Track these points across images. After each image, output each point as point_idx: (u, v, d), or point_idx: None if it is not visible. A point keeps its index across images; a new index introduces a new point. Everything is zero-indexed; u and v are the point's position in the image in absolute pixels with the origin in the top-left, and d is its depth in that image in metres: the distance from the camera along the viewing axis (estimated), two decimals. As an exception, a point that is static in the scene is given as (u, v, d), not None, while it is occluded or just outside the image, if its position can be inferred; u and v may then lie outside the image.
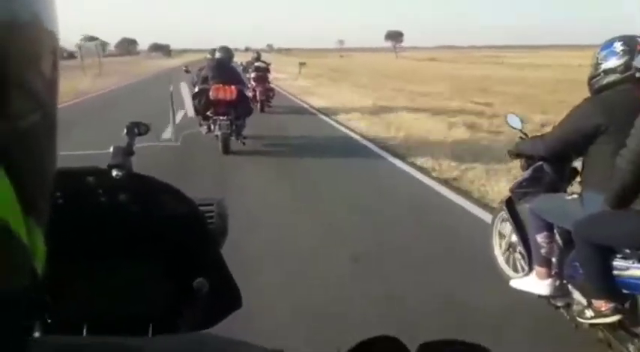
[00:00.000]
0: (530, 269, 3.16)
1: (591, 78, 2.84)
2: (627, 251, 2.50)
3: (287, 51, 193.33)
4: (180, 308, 0.98)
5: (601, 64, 2.77)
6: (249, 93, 12.96)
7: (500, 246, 3.64)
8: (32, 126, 0.32)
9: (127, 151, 1.05)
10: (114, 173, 0.95)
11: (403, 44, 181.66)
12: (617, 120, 2.56)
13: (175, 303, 0.97)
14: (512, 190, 3.38)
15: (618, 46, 2.71)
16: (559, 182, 3.14)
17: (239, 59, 14.68)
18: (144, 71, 40.71)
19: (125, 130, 1.14)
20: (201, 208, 1.03)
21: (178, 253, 0.97)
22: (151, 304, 0.97)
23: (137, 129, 1.16)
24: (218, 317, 1.03)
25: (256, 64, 13.81)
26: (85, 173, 0.96)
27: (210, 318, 1.02)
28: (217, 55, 8.87)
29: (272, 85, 14.63)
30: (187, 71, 10.91)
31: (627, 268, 2.50)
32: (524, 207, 3.26)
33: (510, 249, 3.55)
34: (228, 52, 8.91)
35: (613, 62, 2.72)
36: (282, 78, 27.41)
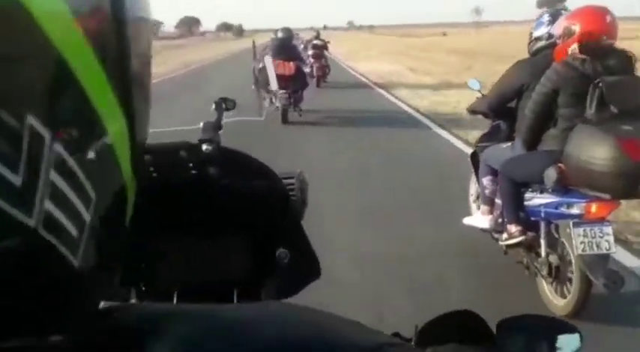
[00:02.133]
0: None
1: (528, 44, 3.39)
2: (536, 185, 3.06)
3: (370, 28, 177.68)
4: (263, 277, 1.01)
5: (532, 33, 3.32)
6: (307, 69, 14.03)
7: (472, 191, 4.21)
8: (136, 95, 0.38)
9: (216, 126, 1.09)
10: (204, 147, 1.00)
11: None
12: (538, 80, 3.10)
13: (258, 272, 1.01)
14: (475, 144, 3.96)
15: (545, 18, 3.26)
16: (512, 135, 3.69)
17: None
18: (198, 58, 33.57)
19: (214, 106, 1.19)
20: (283, 181, 1.07)
21: (262, 224, 1.01)
22: (236, 273, 1.00)
23: (225, 104, 1.20)
24: (298, 286, 1.07)
25: (314, 41, 14.98)
26: (177, 148, 1.00)
27: (291, 287, 1.06)
28: (280, 34, 10.00)
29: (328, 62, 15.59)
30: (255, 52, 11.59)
31: (532, 198, 3.07)
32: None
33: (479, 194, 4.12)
34: (289, 32, 10.10)
35: (541, 31, 3.27)
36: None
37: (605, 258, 2.77)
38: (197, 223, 0.97)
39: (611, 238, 2.75)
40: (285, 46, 9.57)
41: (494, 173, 3.56)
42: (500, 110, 3.47)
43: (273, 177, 1.02)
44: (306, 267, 1.06)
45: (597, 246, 2.73)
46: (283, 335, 0.36)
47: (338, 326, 0.39)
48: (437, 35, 74.12)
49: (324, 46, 14.89)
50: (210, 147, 1.00)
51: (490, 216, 3.59)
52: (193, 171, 0.99)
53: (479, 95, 3.84)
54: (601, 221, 2.77)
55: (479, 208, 4.12)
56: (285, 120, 9.17)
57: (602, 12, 2.85)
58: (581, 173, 2.66)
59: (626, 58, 2.82)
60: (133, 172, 0.37)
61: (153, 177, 0.96)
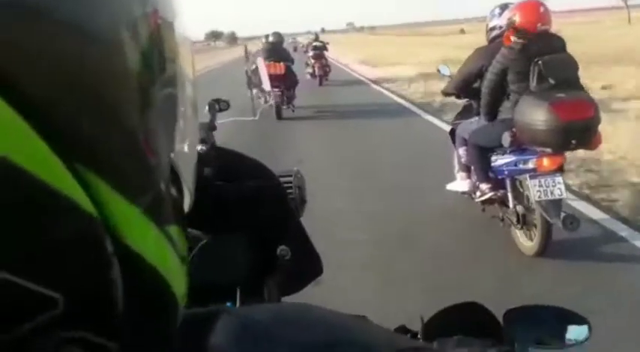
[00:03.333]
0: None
1: (486, 33, 4.04)
2: (498, 148, 3.71)
3: (371, 29, 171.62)
4: (265, 275, 1.01)
5: (488, 23, 3.97)
6: (309, 70, 14.95)
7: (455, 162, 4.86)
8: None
9: (210, 127, 1.09)
10: (198, 148, 0.96)
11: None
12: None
13: (261, 271, 1.00)
14: (452, 122, 4.61)
15: (497, 11, 3.91)
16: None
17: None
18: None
19: (207, 107, 1.17)
20: (280, 179, 1.05)
21: (262, 223, 1.00)
22: (237, 272, 1.00)
23: (218, 105, 1.19)
24: (301, 283, 1.07)
25: (314, 43, 15.88)
26: None
27: (294, 285, 1.06)
28: (270, 38, 10.94)
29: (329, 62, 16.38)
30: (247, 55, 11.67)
31: (497, 160, 3.72)
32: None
33: (460, 165, 4.77)
34: (279, 37, 11.02)
35: (494, 22, 3.92)
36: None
37: (559, 202, 3.40)
38: (196, 224, 0.96)
39: (562, 186, 3.39)
40: (275, 49, 10.49)
41: (467, 143, 4.22)
42: (466, 90, 4.11)
43: (270, 175, 1.02)
44: (307, 265, 1.06)
45: (551, 193, 3.37)
46: (309, 338, 0.35)
47: (355, 327, 0.40)
48: (454, 33, 65.38)
49: (323, 47, 15.80)
50: (204, 148, 1.00)
51: (468, 181, 4.24)
52: None
53: (449, 79, 4.49)
54: (552, 172, 3.41)
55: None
56: (279, 116, 9.96)
57: (537, 4, 3.50)
58: (528, 134, 3.31)
59: (558, 39, 3.47)
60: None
61: None
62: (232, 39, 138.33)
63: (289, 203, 1.05)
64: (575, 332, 0.56)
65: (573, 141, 3.21)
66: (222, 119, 1.27)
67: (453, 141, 4.59)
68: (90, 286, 0.26)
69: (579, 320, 0.57)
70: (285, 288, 1.04)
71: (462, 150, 4.24)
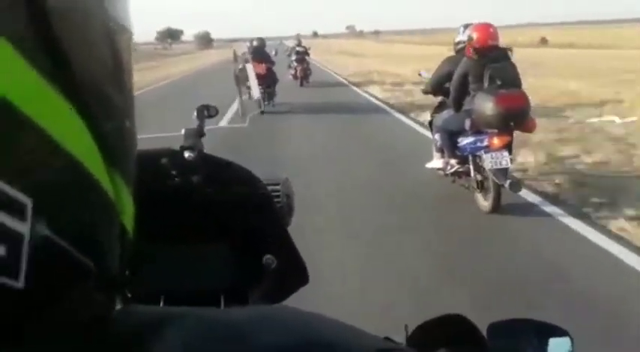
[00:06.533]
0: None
1: (454, 45, 5.33)
2: (463, 132, 4.97)
3: (375, 34, 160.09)
4: (249, 284, 1.01)
5: (455, 38, 5.26)
6: (292, 72, 16.72)
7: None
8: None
9: (198, 133, 1.09)
10: (186, 154, 0.99)
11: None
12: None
13: (245, 279, 1.01)
14: (431, 115, 5.89)
15: (461, 29, 5.20)
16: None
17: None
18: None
19: (195, 113, 1.18)
20: (268, 187, 1.07)
21: (248, 231, 1.01)
22: (222, 279, 1.00)
23: (207, 111, 1.20)
24: (285, 292, 1.07)
25: (297, 48, 17.55)
26: (159, 155, 0.99)
27: (278, 294, 1.06)
28: (254, 43, 12.82)
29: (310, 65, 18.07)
30: (235, 57, 12.96)
31: (462, 141, 4.98)
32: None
33: (438, 150, 6.03)
34: (262, 41, 12.99)
35: (459, 38, 5.20)
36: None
37: (505, 170, 4.65)
38: (182, 230, 0.98)
39: (508, 158, 4.63)
40: (258, 51, 12.36)
41: (440, 130, 5.49)
42: (439, 89, 5.38)
43: (258, 183, 1.03)
44: (293, 274, 1.06)
45: (500, 163, 4.62)
46: (282, 339, 0.35)
47: (333, 330, 0.39)
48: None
49: (305, 52, 17.39)
50: (192, 155, 1.00)
51: (442, 160, 5.50)
52: (176, 179, 0.99)
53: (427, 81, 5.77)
54: (501, 148, 4.66)
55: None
56: (261, 111, 11.59)
57: (488, 26, 4.79)
58: (482, 120, 4.58)
59: (504, 51, 4.75)
60: (117, 182, 0.32)
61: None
62: (206, 41, 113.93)
63: (276, 211, 1.07)
64: (557, 345, 0.58)
65: (512, 124, 4.48)
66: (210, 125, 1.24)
67: (431, 130, 5.87)
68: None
69: (561, 332, 0.59)
70: (269, 297, 1.05)
71: (437, 136, 5.50)
